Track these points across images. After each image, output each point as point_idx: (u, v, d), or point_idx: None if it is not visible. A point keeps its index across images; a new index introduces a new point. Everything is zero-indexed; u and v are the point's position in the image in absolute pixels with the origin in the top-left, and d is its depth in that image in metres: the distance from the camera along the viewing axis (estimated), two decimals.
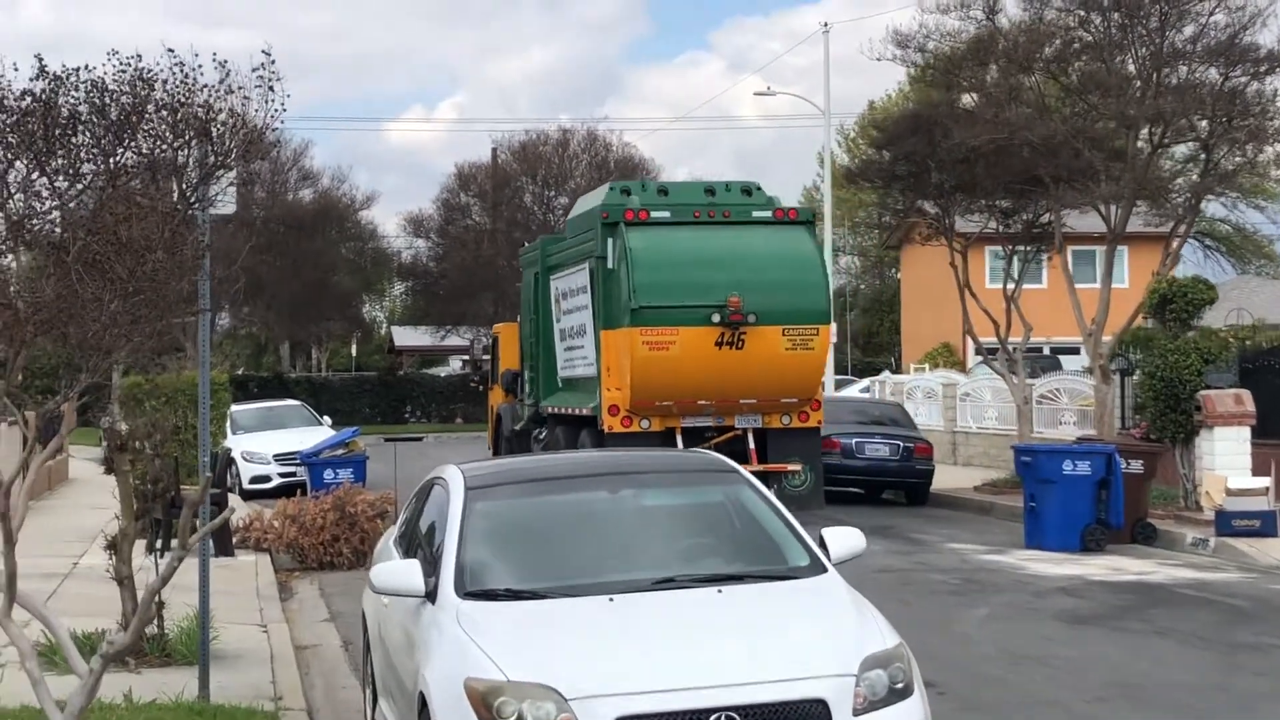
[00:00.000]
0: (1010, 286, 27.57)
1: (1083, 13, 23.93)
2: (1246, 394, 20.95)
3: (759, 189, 22.16)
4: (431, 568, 7.93)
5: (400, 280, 74.96)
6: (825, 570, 7.85)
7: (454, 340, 68.00)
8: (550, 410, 24.01)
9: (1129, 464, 19.73)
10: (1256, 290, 48.06)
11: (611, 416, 20.98)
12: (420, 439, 45.75)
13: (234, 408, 30.20)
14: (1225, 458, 20.72)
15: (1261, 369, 22.90)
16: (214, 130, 6.84)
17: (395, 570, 7.96)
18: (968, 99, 25.78)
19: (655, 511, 8.52)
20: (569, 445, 22.22)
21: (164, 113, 6.66)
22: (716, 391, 20.92)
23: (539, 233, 62.25)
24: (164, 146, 6.72)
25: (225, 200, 8.78)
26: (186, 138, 6.80)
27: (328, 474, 23.25)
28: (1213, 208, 36.25)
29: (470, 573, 7.72)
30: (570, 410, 22.95)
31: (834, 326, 26.57)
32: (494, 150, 64.99)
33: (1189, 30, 23.42)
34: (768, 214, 21.52)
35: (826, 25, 45.24)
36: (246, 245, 30.22)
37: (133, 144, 6.58)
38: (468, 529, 7.99)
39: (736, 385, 20.91)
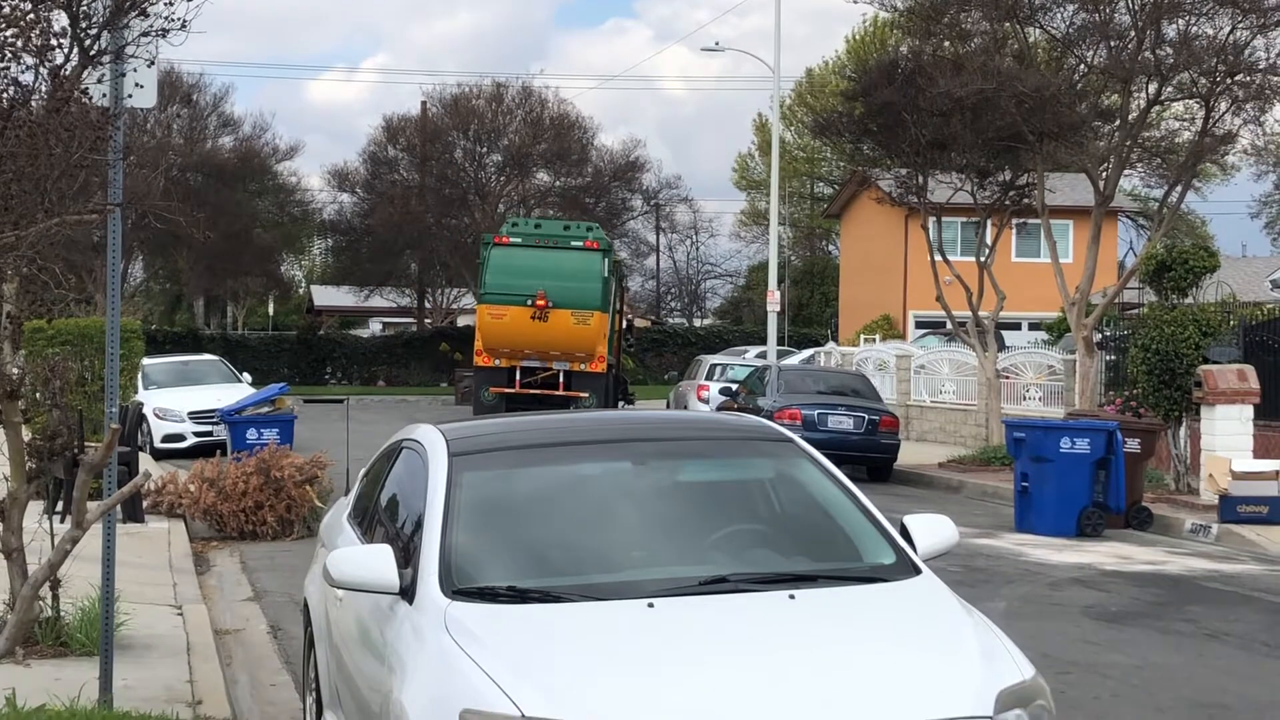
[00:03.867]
0: (985, 255, 26.00)
1: None
2: (1250, 370, 19.47)
3: (596, 227, 34.99)
4: (406, 556, 6.08)
5: (322, 237, 72.68)
6: (918, 571, 6.08)
7: (377, 301, 65.82)
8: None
9: (1125, 443, 18.16)
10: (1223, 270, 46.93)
11: (478, 357, 33.03)
12: (341, 401, 44.33)
13: (146, 361, 28.14)
14: (1227, 438, 19.23)
15: (1257, 345, 21.38)
16: None
17: (360, 558, 6.06)
18: (947, 47, 24.07)
19: (693, 489, 6.69)
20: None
21: None
22: (535, 346, 32.19)
23: (469, 190, 60.70)
24: None
25: (142, 80, 6.76)
26: None
27: (251, 434, 21.41)
28: (1139, 184, 34.83)
29: (460, 565, 5.89)
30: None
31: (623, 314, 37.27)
32: (424, 103, 62.74)
33: None
34: (580, 244, 32.91)
35: None
36: (159, 183, 28.00)
37: None
38: (455, 506, 6.14)
39: (546, 344, 32.14)
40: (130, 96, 5.96)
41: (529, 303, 31.91)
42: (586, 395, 32.35)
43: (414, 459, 6.82)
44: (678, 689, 5.03)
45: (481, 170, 61.29)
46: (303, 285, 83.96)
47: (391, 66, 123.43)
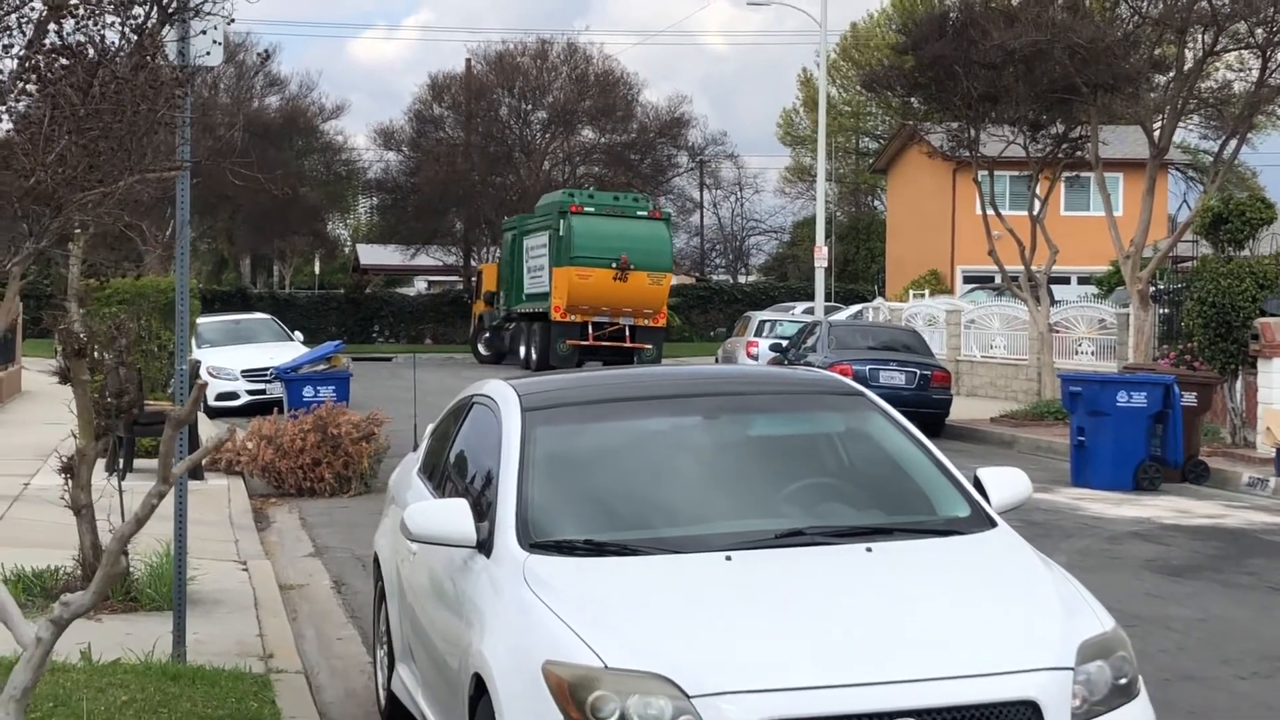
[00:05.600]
0: (1036, 208, 25.82)
1: None
2: None
3: (646, 197, 42.55)
4: (480, 510, 6.12)
5: (367, 196, 72.75)
6: (994, 524, 6.09)
7: (423, 260, 65.91)
8: (518, 311, 41.14)
9: (1182, 397, 18.04)
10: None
11: (556, 313, 37.38)
12: (390, 359, 44.89)
13: (200, 319, 28.32)
14: None
15: None
16: None
17: (437, 512, 6.12)
18: None
19: (765, 443, 6.70)
20: (528, 332, 39.83)
21: None
22: (611, 304, 37.27)
23: (514, 148, 60.60)
24: None
25: (213, 40, 6.79)
26: None
27: (307, 391, 21.53)
28: (1192, 136, 34.43)
29: (536, 518, 5.92)
30: (531, 310, 39.76)
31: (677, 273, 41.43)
32: (468, 61, 62.70)
33: None
34: (645, 214, 38.50)
35: None
36: (230, 136, 28.10)
37: None
38: (530, 461, 6.17)
39: (621, 301, 37.31)
40: (208, 53, 5.99)
41: (613, 265, 36.72)
42: (649, 347, 37.56)
43: (486, 414, 6.85)
44: (758, 641, 5.05)
45: (527, 128, 61.24)
46: (349, 244, 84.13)
47: (434, 24, 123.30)
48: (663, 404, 6.78)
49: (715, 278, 75.05)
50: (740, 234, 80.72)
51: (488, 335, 44.71)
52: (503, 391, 6.82)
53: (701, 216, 76.83)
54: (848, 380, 7.14)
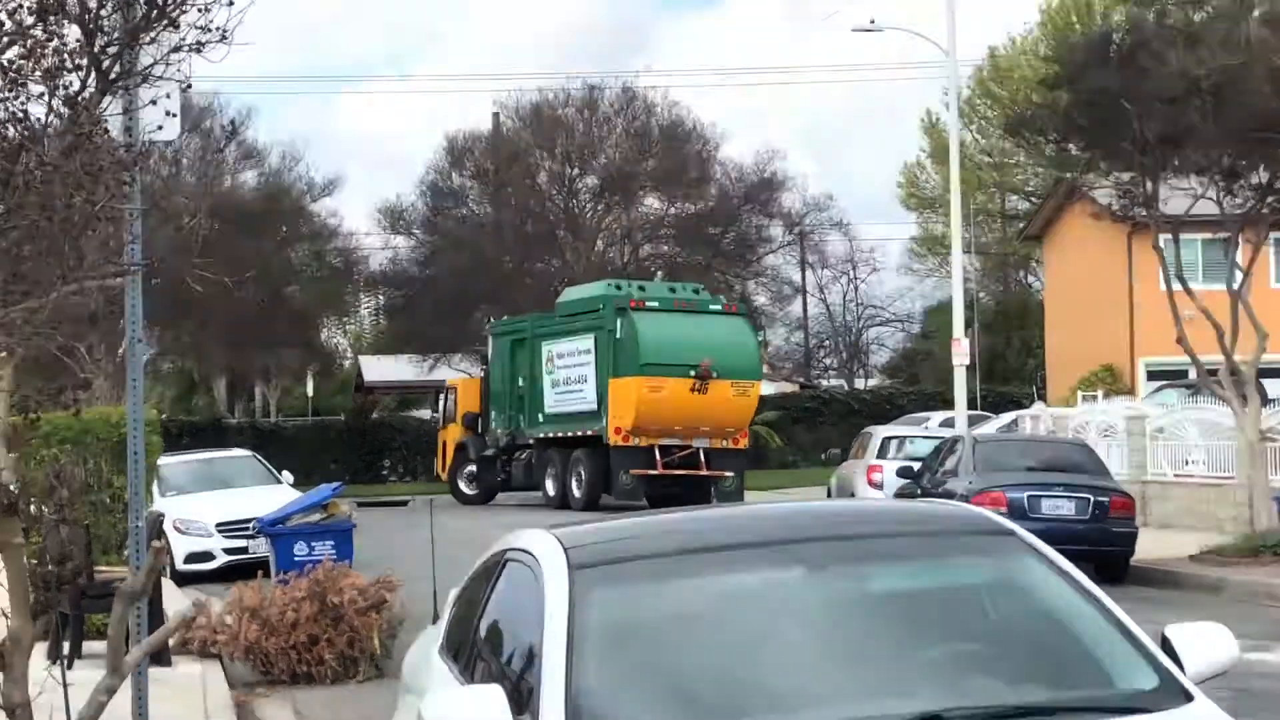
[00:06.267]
0: (1239, 279, 25.81)
1: None
2: None
3: (703, 289, 43.08)
4: (519, 700, 6.14)
5: (371, 294, 73.54)
6: (1190, 697, 6.06)
7: (444, 372, 66.34)
8: (536, 437, 42.25)
9: None
10: None
11: (616, 435, 38.24)
12: (405, 502, 45.14)
13: (162, 460, 28.63)
14: None
15: None
16: None
17: (464, 703, 6.18)
18: (1175, 13, 24.05)
19: (888, 600, 6.72)
20: (561, 462, 40.49)
21: None
22: (686, 421, 38.10)
23: (558, 224, 61.06)
24: None
25: (166, 110, 6.97)
26: None
27: (300, 548, 21.79)
28: None
29: (592, 709, 5.96)
30: (560, 434, 40.96)
31: (762, 382, 43.51)
32: (495, 116, 63.46)
33: None
34: (719, 308, 40.77)
35: None
36: (194, 226, 28.51)
37: None
38: (582, 634, 6.21)
39: (698, 418, 38.20)
40: (159, 128, 6.13)
41: (691, 373, 37.97)
42: (730, 475, 38.75)
43: (523, 574, 6.90)
44: None
45: (573, 198, 61.83)
46: (349, 357, 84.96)
47: (450, 72, 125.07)
48: (755, 553, 6.79)
49: (825, 383, 75.21)
50: (856, 325, 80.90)
51: (473, 468, 45.62)
52: (544, 544, 6.87)
53: (805, 304, 77.28)
54: (994, 516, 7.17)
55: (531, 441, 42.58)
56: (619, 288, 40.97)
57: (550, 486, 40.91)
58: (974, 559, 6.81)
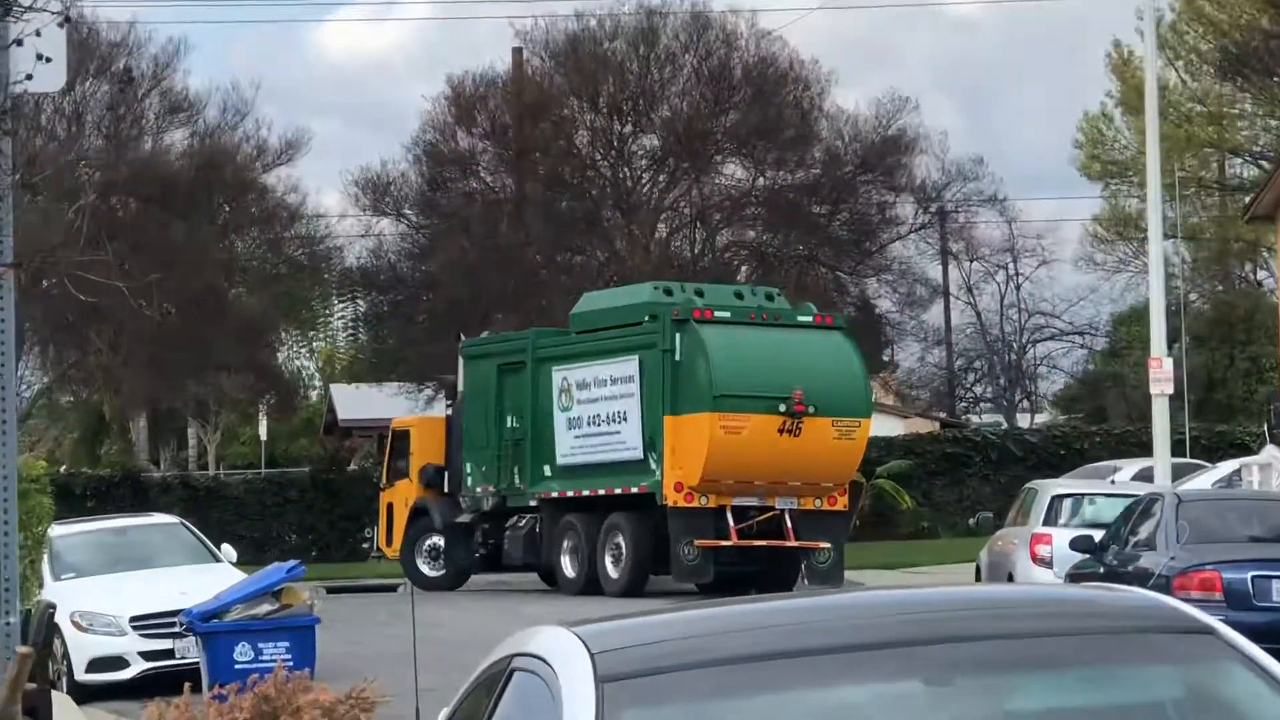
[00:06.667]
0: None
1: None
2: None
3: (780, 293, 42.69)
4: None
5: (347, 298, 73.98)
6: None
7: (443, 407, 66.58)
8: (542, 496, 41.79)
9: None
10: None
11: (676, 493, 38.04)
12: (394, 588, 45.17)
13: (56, 530, 28.79)
14: None
15: None
16: None
17: None
18: None
19: None
20: (586, 530, 40.02)
21: None
22: (770, 472, 38.35)
23: (603, 201, 61.09)
24: None
25: (39, 53, 6.98)
26: None
27: (241, 651, 21.93)
28: None
29: None
30: (592, 493, 40.59)
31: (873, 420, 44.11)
32: (517, 51, 63.28)
33: None
34: (809, 319, 40.59)
35: None
36: (76, 222, 28.78)
37: None
38: None
39: (789, 467, 38.27)
40: (28, 77, 6.08)
41: (781, 408, 37.85)
42: (825, 545, 38.75)
43: (535, 687, 6.99)
44: None
45: (624, 165, 61.79)
46: (316, 386, 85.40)
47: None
48: (852, 661, 6.86)
49: (975, 420, 75.21)
50: (1017, 340, 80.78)
51: (436, 540, 45.14)
52: (562, 646, 6.93)
53: (947, 310, 77.37)
54: (1186, 608, 7.20)
55: (535, 503, 42.09)
56: (669, 292, 40.78)
57: (569, 565, 40.38)
58: (1158, 667, 6.90)
